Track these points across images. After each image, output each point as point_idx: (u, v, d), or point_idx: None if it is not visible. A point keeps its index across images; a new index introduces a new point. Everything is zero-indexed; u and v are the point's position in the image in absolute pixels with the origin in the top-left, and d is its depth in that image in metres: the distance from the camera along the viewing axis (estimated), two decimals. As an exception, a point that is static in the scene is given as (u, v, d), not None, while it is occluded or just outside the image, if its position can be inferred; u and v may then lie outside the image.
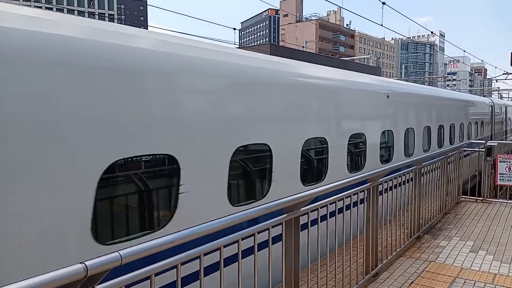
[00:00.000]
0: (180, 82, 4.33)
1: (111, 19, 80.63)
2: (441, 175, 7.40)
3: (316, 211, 3.77)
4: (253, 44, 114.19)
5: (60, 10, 70.41)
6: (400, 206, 5.74)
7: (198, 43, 5.21)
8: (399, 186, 5.56)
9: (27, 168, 3.06)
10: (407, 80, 41.81)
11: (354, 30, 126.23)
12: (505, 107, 25.09)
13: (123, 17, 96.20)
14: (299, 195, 3.48)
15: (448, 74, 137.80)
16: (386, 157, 8.63)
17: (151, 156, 4.04)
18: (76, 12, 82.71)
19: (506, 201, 8.96)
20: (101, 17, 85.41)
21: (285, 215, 3.42)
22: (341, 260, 4.21)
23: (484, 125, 18.38)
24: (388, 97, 8.97)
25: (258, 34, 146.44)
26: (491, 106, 20.08)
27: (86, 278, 1.89)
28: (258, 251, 3.09)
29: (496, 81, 46.49)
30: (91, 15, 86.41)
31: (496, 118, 21.29)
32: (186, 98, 4.37)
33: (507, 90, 55.32)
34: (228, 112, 4.83)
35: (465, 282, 4.82)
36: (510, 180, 8.77)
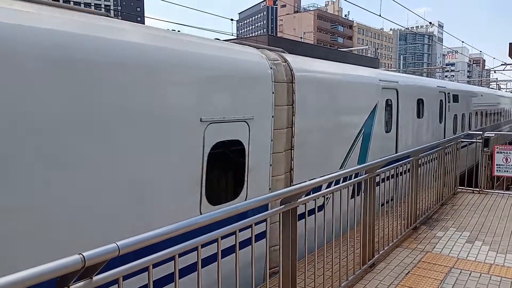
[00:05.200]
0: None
1: (107, 9, 79.94)
2: (438, 166, 7.43)
3: (314, 202, 3.79)
4: (251, 35, 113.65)
5: (56, 0, 69.64)
6: (397, 197, 5.76)
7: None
8: (396, 177, 5.58)
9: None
10: (405, 72, 41.76)
11: (353, 21, 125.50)
12: None
13: (119, 8, 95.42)
14: (296, 186, 3.49)
15: (447, 65, 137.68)
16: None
17: None
18: (72, 4, 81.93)
19: (503, 192, 9.01)
20: (98, 7, 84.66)
21: (282, 206, 3.43)
22: (338, 250, 4.24)
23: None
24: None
25: (256, 25, 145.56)
26: None
27: (83, 268, 1.89)
28: (255, 242, 3.11)
29: (495, 72, 46.49)
30: (87, 6, 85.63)
31: None
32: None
33: (505, 81, 55.32)
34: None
35: (461, 272, 4.86)
36: (507, 171, 8.80)
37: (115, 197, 3.46)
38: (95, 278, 2.02)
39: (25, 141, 2.91)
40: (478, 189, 9.02)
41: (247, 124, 4.78)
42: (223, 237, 2.79)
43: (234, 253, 2.95)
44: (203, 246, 2.64)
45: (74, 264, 1.85)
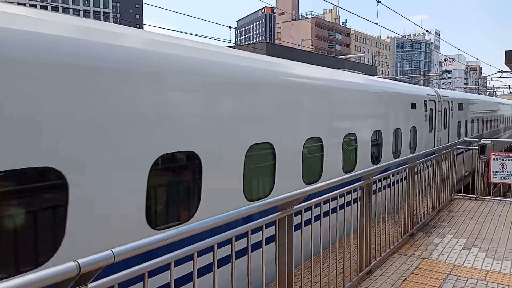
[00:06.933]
0: None
1: (106, 17, 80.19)
2: (435, 173, 7.45)
3: (310, 209, 3.79)
4: (249, 42, 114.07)
5: (55, 8, 70.01)
6: (393, 204, 5.78)
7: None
8: (392, 185, 5.60)
9: None
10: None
11: (350, 29, 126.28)
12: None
13: (118, 15, 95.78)
14: (292, 193, 3.50)
15: (444, 72, 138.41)
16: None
17: None
18: (71, 11, 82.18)
19: (500, 199, 9.03)
20: (96, 15, 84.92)
21: (279, 212, 3.44)
22: (335, 257, 4.24)
23: None
24: None
25: (254, 32, 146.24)
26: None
27: (78, 276, 1.90)
28: (251, 251, 3.11)
29: (491, 79, 46.83)
30: (86, 13, 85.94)
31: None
32: None
33: (501, 88, 55.63)
34: None
35: (457, 279, 4.86)
36: (504, 177, 8.83)
37: None
38: (90, 285, 2.02)
39: None
40: (475, 196, 9.04)
41: None
42: (219, 244, 2.79)
43: (235, 260, 2.95)
44: (199, 253, 2.64)
45: (69, 271, 1.86)
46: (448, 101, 13.61)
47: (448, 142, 12.35)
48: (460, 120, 14.94)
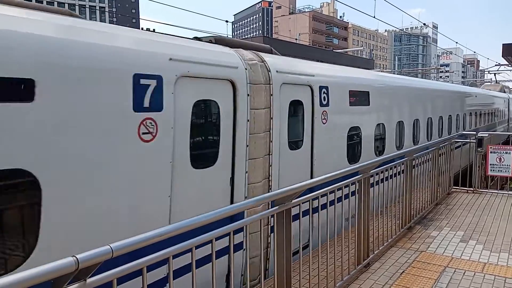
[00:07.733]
0: None
1: (102, 11, 79.77)
2: (433, 166, 7.47)
3: (308, 203, 3.80)
4: (246, 36, 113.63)
5: (50, 3, 69.56)
6: (392, 198, 5.79)
7: None
8: (390, 178, 5.61)
9: None
10: (400, 72, 41.83)
11: (348, 22, 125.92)
12: None
13: (114, 9, 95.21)
14: (290, 187, 3.51)
15: (441, 65, 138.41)
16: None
17: None
18: (66, 5, 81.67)
19: (497, 192, 9.07)
20: (92, 10, 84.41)
21: (277, 207, 3.44)
22: (333, 251, 4.26)
23: None
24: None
25: (251, 26, 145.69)
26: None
27: (77, 271, 1.90)
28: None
29: (489, 73, 46.86)
30: (82, 7, 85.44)
31: None
32: None
33: (499, 81, 55.69)
34: None
35: (455, 271, 4.89)
36: (501, 170, 8.86)
37: None
38: (89, 280, 2.03)
39: None
40: (472, 189, 9.08)
41: None
42: (217, 238, 2.80)
43: (229, 254, 2.96)
44: (197, 247, 2.65)
45: (68, 266, 1.86)
46: (311, 87, 6.15)
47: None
48: (361, 125, 7.63)
